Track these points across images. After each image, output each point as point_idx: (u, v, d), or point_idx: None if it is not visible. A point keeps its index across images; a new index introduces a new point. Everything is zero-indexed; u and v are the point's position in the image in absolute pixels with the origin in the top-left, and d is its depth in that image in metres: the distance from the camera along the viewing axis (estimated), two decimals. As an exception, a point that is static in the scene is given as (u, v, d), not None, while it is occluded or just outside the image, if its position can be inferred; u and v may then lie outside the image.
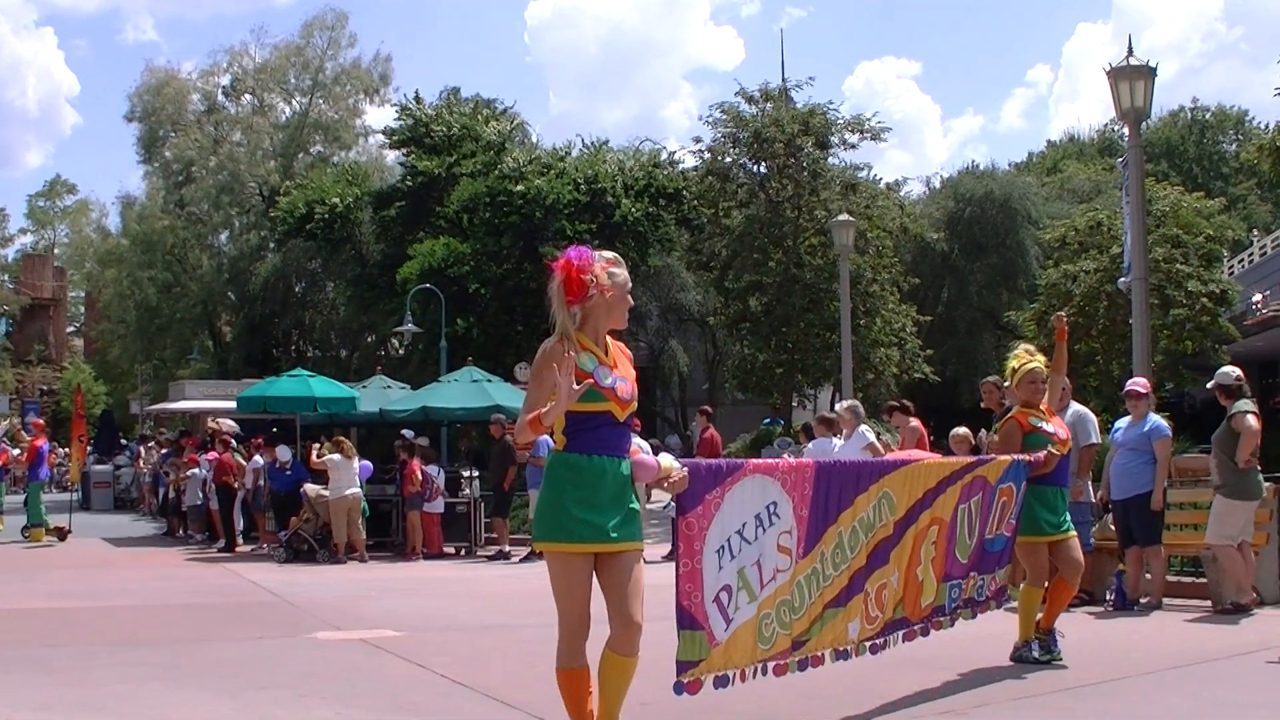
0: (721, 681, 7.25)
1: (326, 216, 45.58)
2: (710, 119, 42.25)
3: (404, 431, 26.07)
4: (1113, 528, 14.37)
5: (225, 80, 61.53)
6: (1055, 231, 41.48)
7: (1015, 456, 9.96)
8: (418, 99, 48.42)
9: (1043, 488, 10.10)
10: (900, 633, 8.83)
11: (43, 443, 27.90)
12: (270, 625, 14.00)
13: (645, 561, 6.74)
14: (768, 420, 44.09)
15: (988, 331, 54.37)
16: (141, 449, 40.34)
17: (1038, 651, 10.02)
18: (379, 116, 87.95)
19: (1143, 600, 13.88)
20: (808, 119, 40.46)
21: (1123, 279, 22.81)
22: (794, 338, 39.71)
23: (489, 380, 27.23)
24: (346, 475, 22.91)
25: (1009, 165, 70.74)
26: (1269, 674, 9.98)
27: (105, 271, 65.82)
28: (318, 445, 24.25)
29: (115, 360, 69.89)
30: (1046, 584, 10.15)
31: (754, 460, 8.06)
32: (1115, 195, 43.75)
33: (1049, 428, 10.32)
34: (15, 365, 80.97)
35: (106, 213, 77.43)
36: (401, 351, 41.00)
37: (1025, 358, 10.59)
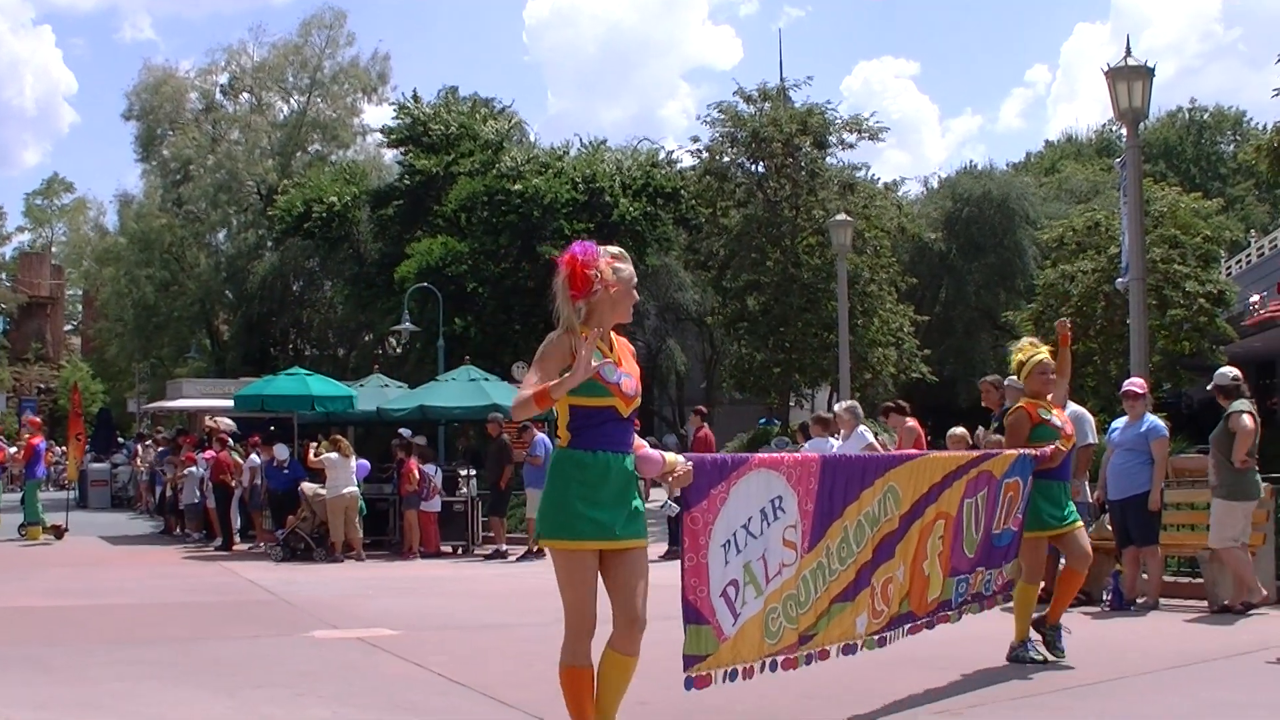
0: (732, 676, 7.25)
1: (324, 215, 45.53)
2: (708, 118, 42.30)
3: (401, 430, 26.07)
4: (1109, 528, 14.37)
5: (223, 79, 61.53)
6: (1053, 232, 41.48)
7: (1022, 451, 9.96)
8: (416, 98, 48.40)
9: (1046, 482, 10.09)
10: (906, 627, 8.82)
11: (39, 441, 27.89)
12: (267, 624, 14.00)
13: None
14: (764, 420, 44.13)
15: (985, 331, 54.40)
16: (139, 447, 40.31)
17: (1034, 651, 10.02)
18: (377, 115, 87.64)
19: (1139, 600, 13.89)
20: (806, 119, 40.48)
21: (1120, 279, 22.82)
22: (791, 337, 39.73)
23: (486, 379, 27.22)
24: (344, 474, 22.91)
25: (1007, 165, 70.83)
26: (1266, 674, 9.98)
27: (103, 270, 65.75)
28: (315, 444, 24.25)
29: (113, 359, 69.88)
30: (1043, 583, 10.15)
31: (759, 454, 8.05)
32: (1113, 195, 43.75)
33: (1057, 421, 10.34)
34: (13, 363, 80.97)
35: (104, 211, 77.61)
36: (399, 350, 40.99)
37: (1031, 349, 10.61)
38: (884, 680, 9.13)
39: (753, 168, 42.59)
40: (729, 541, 7.19)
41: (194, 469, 27.68)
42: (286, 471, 24.29)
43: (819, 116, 40.93)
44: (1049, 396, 10.52)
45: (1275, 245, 48.51)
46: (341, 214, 45.85)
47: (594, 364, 6.26)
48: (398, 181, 46.57)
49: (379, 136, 53.45)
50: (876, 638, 8.48)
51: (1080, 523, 10.45)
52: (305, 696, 9.13)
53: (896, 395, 35.75)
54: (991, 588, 9.77)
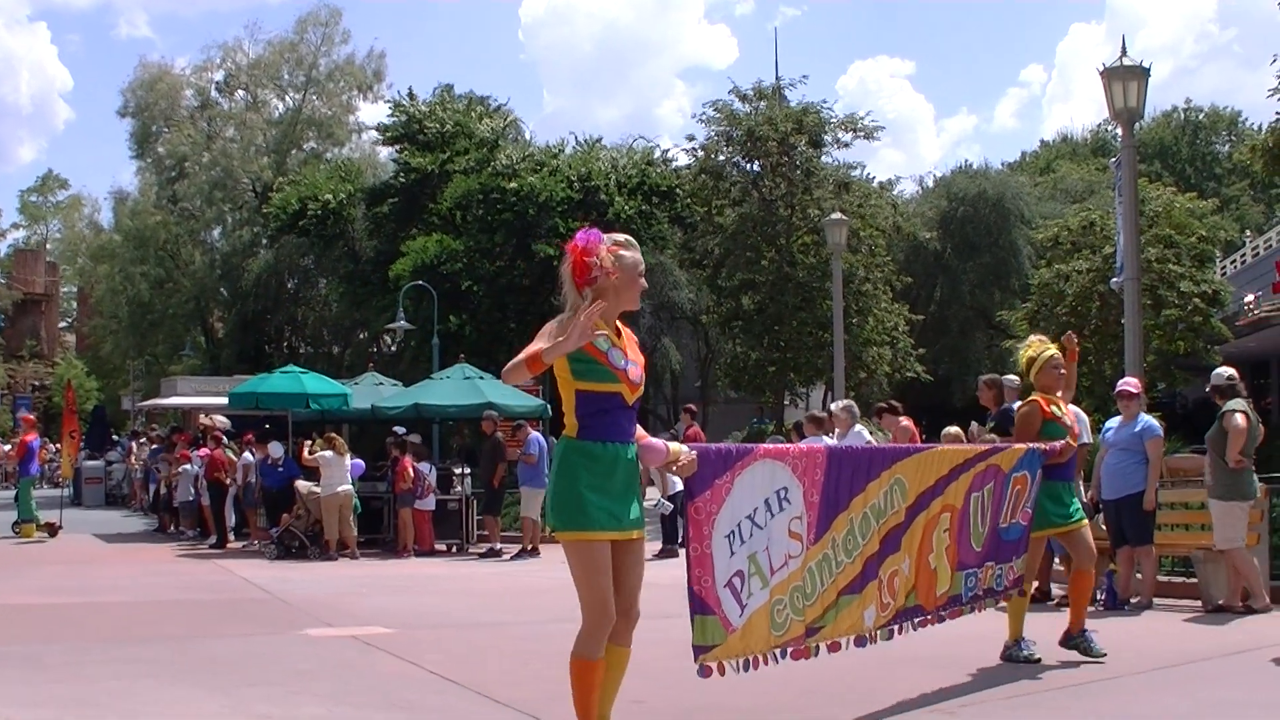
0: (747, 666, 7.23)
1: (319, 213, 45.58)
2: (704, 117, 42.52)
3: (396, 428, 26.06)
4: (1104, 528, 14.37)
5: (219, 76, 61.58)
6: (1048, 231, 41.50)
7: (1031, 445, 9.97)
8: (411, 96, 48.43)
9: (1050, 482, 10.09)
10: (915, 620, 8.78)
11: (33, 438, 27.85)
12: (262, 622, 13.98)
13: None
14: (755, 420, 44.18)
15: (980, 331, 54.44)
16: (133, 445, 40.30)
17: (1028, 650, 10.02)
18: (372, 113, 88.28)
19: (1134, 600, 13.90)
20: (801, 118, 40.59)
21: (1115, 279, 22.83)
22: (786, 336, 39.81)
23: (481, 377, 27.19)
24: (338, 472, 22.89)
25: (1002, 165, 70.86)
26: (1261, 673, 9.99)
27: (98, 267, 65.80)
28: (310, 442, 24.24)
29: (107, 356, 69.88)
30: (1036, 583, 10.15)
31: (764, 445, 8.03)
32: (1108, 195, 43.75)
33: (1066, 420, 10.35)
34: (7, 360, 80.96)
35: (99, 208, 77.39)
36: (394, 348, 40.98)
37: (1040, 346, 10.61)
38: (884, 678, 9.13)
39: (748, 166, 42.73)
40: (733, 532, 7.17)
41: (188, 467, 27.65)
42: (281, 469, 24.27)
43: (814, 116, 41.04)
44: (1062, 386, 10.53)
45: (1270, 245, 48.57)
46: (336, 212, 45.90)
47: (595, 332, 6.24)
48: (393, 179, 46.63)
49: (374, 134, 53.72)
50: (884, 630, 8.48)
51: (1086, 521, 10.47)
52: (300, 695, 9.12)
53: (891, 394, 35.89)
54: (1003, 583, 9.72)
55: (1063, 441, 10.09)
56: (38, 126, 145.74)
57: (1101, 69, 19.88)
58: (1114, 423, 14.57)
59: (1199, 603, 13.78)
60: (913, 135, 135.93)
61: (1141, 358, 20.74)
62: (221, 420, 28.26)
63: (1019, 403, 15.37)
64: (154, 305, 58.88)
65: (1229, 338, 38.17)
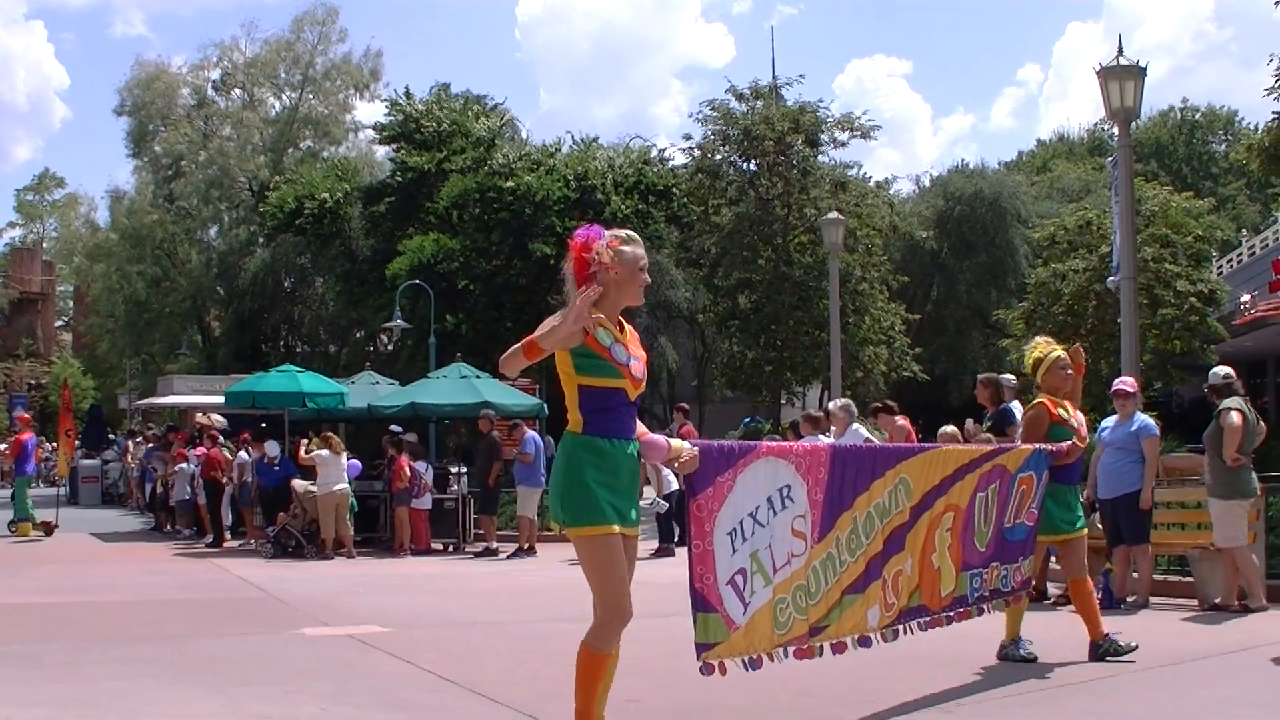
0: (752, 664, 7.24)
1: (316, 212, 45.59)
2: (700, 116, 42.40)
3: (392, 427, 26.06)
4: (1100, 526, 14.39)
5: (215, 75, 61.52)
6: (1044, 230, 41.44)
7: (1037, 445, 9.96)
8: (408, 95, 48.47)
9: (1055, 484, 10.10)
10: (920, 621, 8.77)
11: (28, 437, 27.84)
12: (258, 621, 13.98)
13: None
14: (748, 419, 44.15)
15: (976, 330, 54.41)
16: (130, 443, 40.29)
17: (1025, 650, 10.02)
18: (369, 112, 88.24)
19: (1130, 599, 13.91)
20: (798, 117, 40.56)
21: (1111, 278, 22.83)
22: (783, 335, 39.77)
23: (478, 376, 27.22)
24: (335, 471, 22.89)
25: (999, 164, 70.85)
26: (1258, 672, 10.00)
27: (94, 266, 65.78)
28: (306, 441, 24.24)
29: (104, 355, 69.84)
30: (1034, 584, 10.15)
31: (767, 442, 8.02)
32: (1104, 195, 43.73)
33: (1074, 422, 10.34)
34: (3, 359, 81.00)
35: (95, 207, 77.41)
36: (390, 347, 40.95)
37: (1047, 346, 10.60)
38: (884, 678, 9.12)
39: (745, 166, 42.67)
40: (735, 529, 7.16)
41: (185, 465, 27.65)
42: (277, 468, 24.28)
43: (811, 115, 41.00)
44: (1069, 387, 10.52)
45: (1266, 245, 48.64)
46: (333, 210, 45.92)
47: (591, 316, 6.26)
48: (389, 178, 46.64)
49: (371, 133, 53.69)
50: (888, 631, 8.45)
51: (1085, 531, 10.47)
52: (297, 694, 9.12)
53: (887, 393, 35.93)
54: (1010, 583, 9.71)
55: (1069, 442, 10.09)
56: (34, 125, 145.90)
57: (1098, 68, 19.87)
58: (1110, 422, 14.57)
59: (1195, 602, 13.81)
60: (909, 134, 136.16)
61: (1138, 357, 20.72)
62: (218, 419, 28.26)
63: (1015, 402, 15.51)
64: (150, 304, 58.83)
65: (1225, 337, 38.17)
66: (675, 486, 21.73)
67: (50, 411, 68.76)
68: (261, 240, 55.12)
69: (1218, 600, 13.47)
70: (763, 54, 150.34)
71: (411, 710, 8.66)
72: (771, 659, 7.37)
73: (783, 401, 44.31)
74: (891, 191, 51.37)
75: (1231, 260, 51.99)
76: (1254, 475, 13.54)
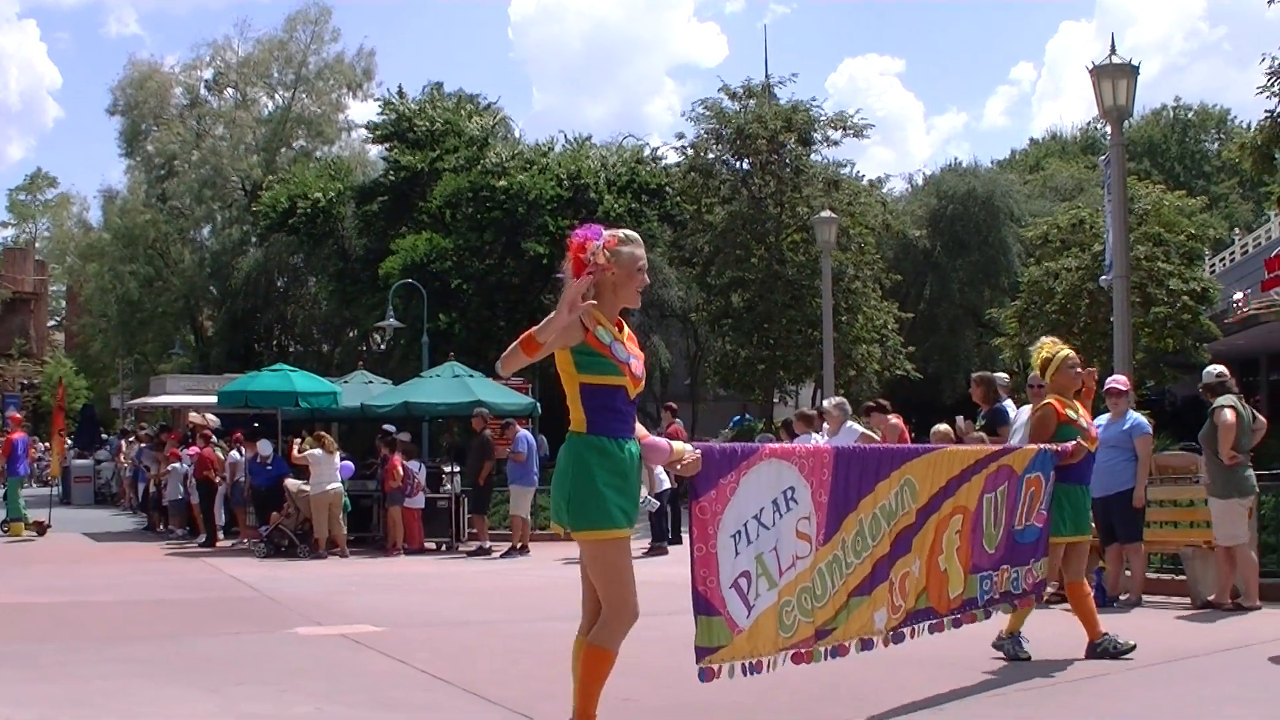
0: (753, 669, 7.24)
1: (309, 211, 45.55)
2: (693, 115, 42.48)
3: (385, 426, 26.04)
4: (1093, 525, 14.38)
5: (208, 74, 61.48)
6: (1037, 229, 41.51)
7: (1042, 445, 9.95)
8: (401, 94, 48.46)
9: (1067, 485, 10.08)
10: (927, 623, 8.74)
11: (19, 436, 27.79)
12: (251, 621, 13.96)
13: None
14: (737, 417, 44.17)
15: (969, 329, 54.38)
16: (122, 443, 40.26)
17: (1022, 649, 10.01)
18: (362, 111, 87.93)
19: (1123, 597, 13.91)
20: (791, 115, 40.58)
21: (1104, 277, 22.85)
22: (776, 334, 39.80)
23: (471, 376, 27.21)
24: (328, 470, 22.88)
25: (991, 163, 70.82)
26: (1252, 670, 10.01)
27: (86, 265, 65.66)
28: (299, 440, 24.23)
29: (96, 354, 69.83)
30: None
31: (770, 444, 8.01)
32: (1097, 193, 43.79)
33: (1083, 422, 10.32)
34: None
35: (88, 206, 77.58)
36: (383, 346, 41.00)
37: (1054, 347, 10.57)
38: (878, 678, 9.10)
39: (737, 164, 42.71)
40: (739, 532, 7.14)
41: (178, 465, 27.65)
42: (270, 468, 24.28)
43: (804, 113, 41.05)
44: (1078, 386, 10.51)
45: (1259, 243, 48.68)
46: (326, 210, 45.87)
47: (584, 301, 6.25)
48: (382, 177, 46.60)
49: (364, 132, 53.61)
50: (893, 633, 8.45)
51: (1089, 537, 10.48)
52: (290, 694, 9.10)
53: (880, 392, 35.91)
54: (1021, 585, 9.66)
55: (1074, 442, 10.07)
56: (26, 124, 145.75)
57: (1091, 67, 19.87)
58: (1103, 420, 14.55)
59: (1188, 600, 13.82)
60: (902, 133, 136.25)
61: (1130, 355, 20.75)
62: (211, 419, 28.24)
63: (1009, 400, 15.52)
64: (143, 304, 58.75)
65: (1218, 335, 38.21)
66: (667, 485, 21.76)
67: (43, 412, 68.72)
68: (254, 240, 55.06)
69: (1211, 597, 13.48)
70: (755, 53, 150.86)
71: (404, 709, 8.65)
72: (762, 668, 7.35)
73: (775, 400, 44.31)
74: (884, 190, 51.52)
75: (1224, 259, 52.07)
76: (1252, 473, 13.54)
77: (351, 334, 53.60)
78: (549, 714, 7.81)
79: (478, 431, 24.46)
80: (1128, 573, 14.06)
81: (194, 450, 26.89)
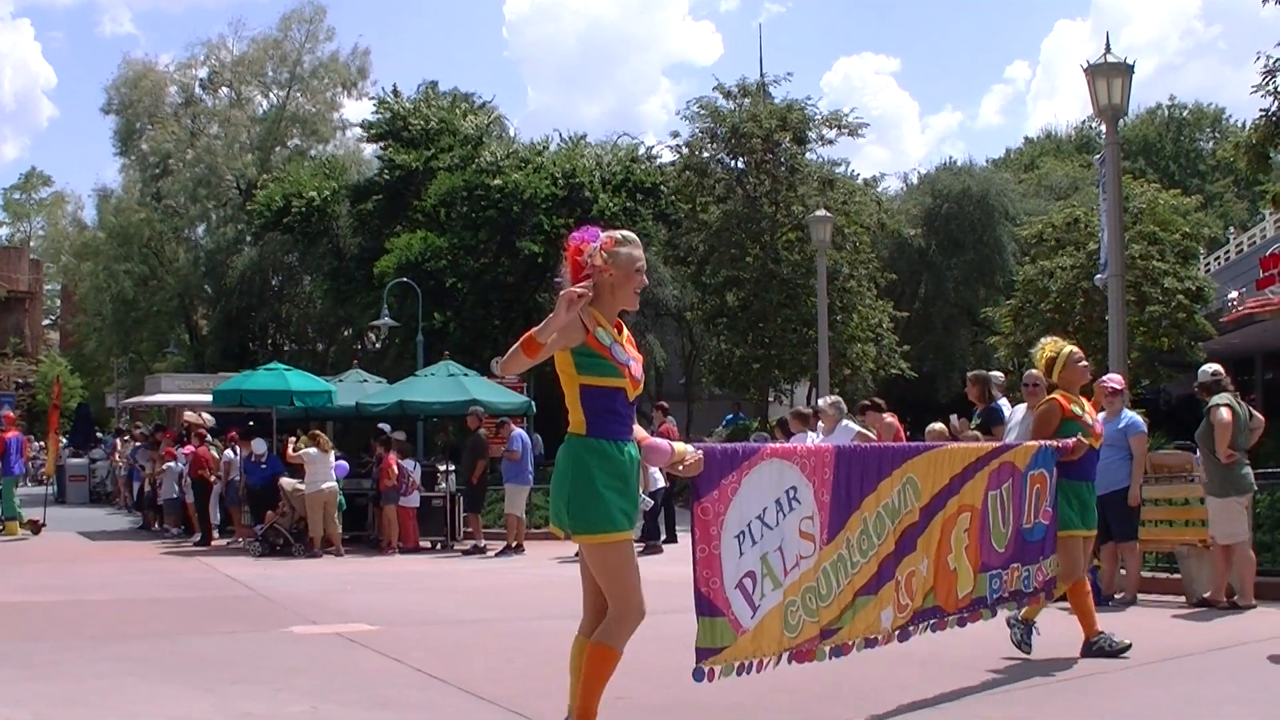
0: (743, 669, 7.22)
1: (303, 210, 45.51)
2: (688, 114, 42.53)
3: (380, 425, 26.03)
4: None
5: (203, 73, 61.39)
6: (1032, 228, 41.50)
7: (1043, 442, 9.95)
8: (395, 93, 48.37)
9: (1072, 481, 10.11)
10: (932, 622, 8.75)
11: (13, 435, 27.73)
12: (246, 619, 13.96)
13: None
14: (729, 416, 44.14)
15: (964, 327, 54.35)
16: (117, 442, 40.24)
17: (1029, 639, 10.05)
18: (357, 110, 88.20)
19: (1117, 596, 13.93)
20: (785, 114, 40.59)
21: (1099, 275, 22.85)
22: (771, 333, 39.80)
23: (466, 374, 27.19)
24: (322, 469, 22.88)
25: (986, 162, 70.77)
26: (1248, 669, 10.01)
27: (81, 264, 65.60)
28: (294, 439, 24.22)
29: (91, 353, 69.70)
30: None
31: (771, 445, 8.01)
32: (1092, 192, 43.71)
33: (1089, 419, 10.32)
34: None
35: (83, 205, 77.33)
36: (378, 345, 40.93)
37: (1057, 345, 10.59)
38: (875, 676, 9.10)
39: (732, 163, 42.72)
40: (743, 533, 7.14)
41: (172, 464, 27.63)
42: (264, 466, 24.28)
43: (799, 112, 41.05)
44: (1084, 380, 10.52)
45: (1254, 242, 48.63)
46: (321, 209, 45.82)
47: (580, 292, 6.24)
48: (377, 176, 46.55)
49: (359, 131, 53.55)
50: (898, 632, 8.45)
51: (1094, 532, 10.49)
52: (285, 692, 9.10)
53: (875, 391, 35.92)
54: (1031, 584, 9.67)
55: (1075, 439, 10.06)
56: (21, 123, 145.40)
57: (1086, 66, 19.90)
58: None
59: (1183, 598, 13.83)
60: (897, 132, 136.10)
61: (1125, 354, 20.78)
62: (206, 417, 28.23)
63: (1004, 399, 15.52)
64: (138, 302, 58.69)
65: (1213, 334, 38.18)
66: (661, 484, 21.77)
67: (38, 411, 68.64)
68: (249, 238, 55.00)
69: (1206, 595, 13.50)
70: (750, 52, 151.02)
71: (399, 708, 8.65)
72: (762, 667, 7.36)
73: (770, 399, 44.30)
74: (879, 189, 51.46)
75: (1219, 257, 52.02)
76: (1249, 471, 13.55)
77: (346, 333, 53.50)
78: (544, 712, 7.81)
79: (472, 430, 24.45)
80: (1123, 571, 14.08)
81: (189, 449, 26.87)
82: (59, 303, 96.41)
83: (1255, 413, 14.20)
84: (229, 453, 25.52)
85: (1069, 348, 10.49)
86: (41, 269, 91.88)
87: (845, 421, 17.64)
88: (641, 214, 41.77)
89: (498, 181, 40.24)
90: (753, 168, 41.23)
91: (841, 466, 7.88)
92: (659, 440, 6.80)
